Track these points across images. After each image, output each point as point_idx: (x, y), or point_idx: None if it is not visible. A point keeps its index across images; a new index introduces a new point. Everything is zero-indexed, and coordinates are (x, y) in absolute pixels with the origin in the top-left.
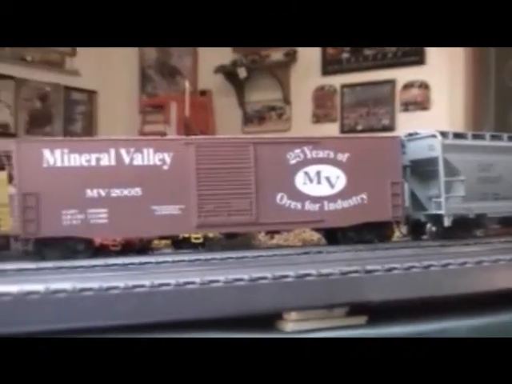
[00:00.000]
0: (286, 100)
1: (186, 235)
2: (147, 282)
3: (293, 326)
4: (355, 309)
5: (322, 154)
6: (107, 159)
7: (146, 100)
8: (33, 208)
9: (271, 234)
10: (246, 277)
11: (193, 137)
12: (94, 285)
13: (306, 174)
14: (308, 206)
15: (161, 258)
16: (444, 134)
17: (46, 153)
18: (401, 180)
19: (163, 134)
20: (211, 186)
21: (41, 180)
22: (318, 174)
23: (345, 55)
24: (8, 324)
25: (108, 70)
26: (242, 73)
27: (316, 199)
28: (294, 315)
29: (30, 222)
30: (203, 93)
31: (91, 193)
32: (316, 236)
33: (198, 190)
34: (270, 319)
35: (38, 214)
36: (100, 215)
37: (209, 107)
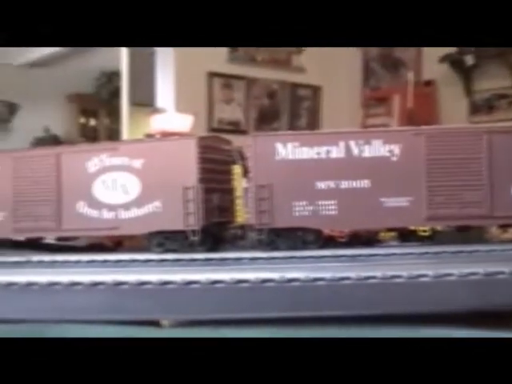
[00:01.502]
0: None
1: (413, 228)
2: (379, 274)
3: None
4: None
5: None
6: (337, 151)
7: (368, 93)
8: (267, 199)
9: (504, 227)
10: (480, 271)
11: (423, 127)
12: (327, 275)
13: None
14: None
15: (389, 251)
16: None
17: (279, 146)
18: None
19: (386, 126)
20: (442, 177)
21: (274, 172)
22: None
23: None
24: (244, 310)
25: (332, 65)
26: (469, 60)
27: None
28: None
29: (264, 213)
30: (427, 83)
31: (321, 184)
32: None
33: (427, 182)
34: (507, 316)
35: (272, 205)
36: (329, 207)
37: (433, 98)
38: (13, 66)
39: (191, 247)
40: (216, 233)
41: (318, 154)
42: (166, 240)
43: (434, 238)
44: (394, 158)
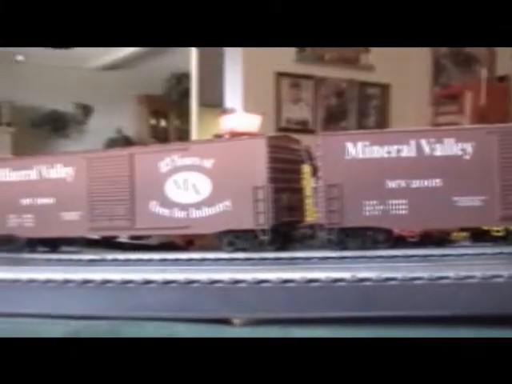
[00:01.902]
0: None
1: (486, 228)
2: (452, 274)
3: None
4: None
5: None
6: (407, 150)
7: (439, 91)
8: (336, 199)
9: None
10: None
11: (497, 125)
12: (398, 274)
13: None
14: None
15: (461, 251)
16: None
17: (349, 145)
18: None
19: (457, 124)
20: None
21: (343, 172)
22: None
23: None
24: (314, 309)
25: (401, 63)
26: None
27: None
28: None
29: (333, 213)
30: (501, 79)
31: (391, 184)
32: None
33: (501, 181)
34: None
35: (341, 204)
36: (400, 206)
37: (507, 94)
38: (87, 69)
39: (261, 246)
40: (285, 232)
41: (389, 152)
42: (237, 239)
43: (507, 238)
44: (467, 157)
